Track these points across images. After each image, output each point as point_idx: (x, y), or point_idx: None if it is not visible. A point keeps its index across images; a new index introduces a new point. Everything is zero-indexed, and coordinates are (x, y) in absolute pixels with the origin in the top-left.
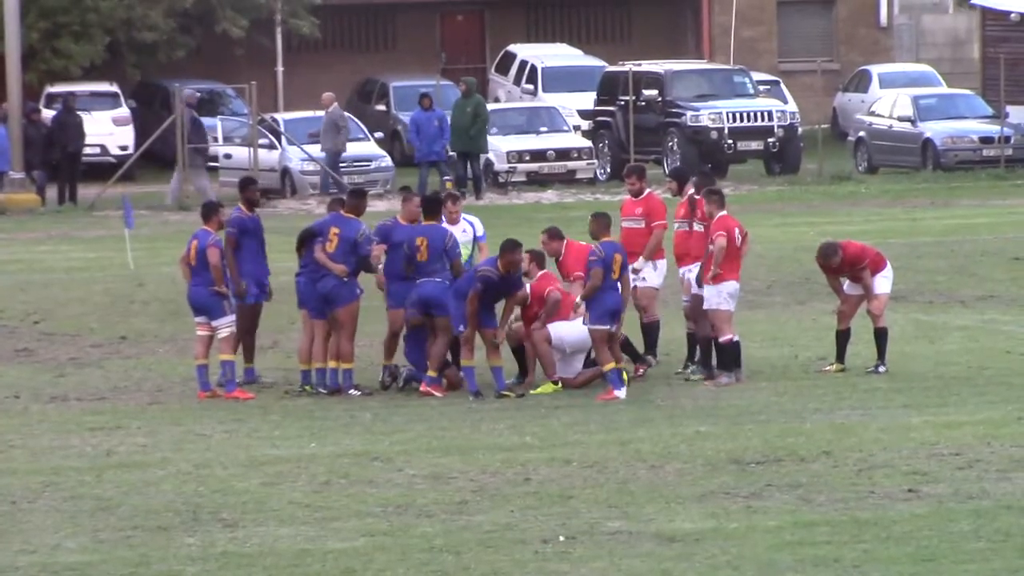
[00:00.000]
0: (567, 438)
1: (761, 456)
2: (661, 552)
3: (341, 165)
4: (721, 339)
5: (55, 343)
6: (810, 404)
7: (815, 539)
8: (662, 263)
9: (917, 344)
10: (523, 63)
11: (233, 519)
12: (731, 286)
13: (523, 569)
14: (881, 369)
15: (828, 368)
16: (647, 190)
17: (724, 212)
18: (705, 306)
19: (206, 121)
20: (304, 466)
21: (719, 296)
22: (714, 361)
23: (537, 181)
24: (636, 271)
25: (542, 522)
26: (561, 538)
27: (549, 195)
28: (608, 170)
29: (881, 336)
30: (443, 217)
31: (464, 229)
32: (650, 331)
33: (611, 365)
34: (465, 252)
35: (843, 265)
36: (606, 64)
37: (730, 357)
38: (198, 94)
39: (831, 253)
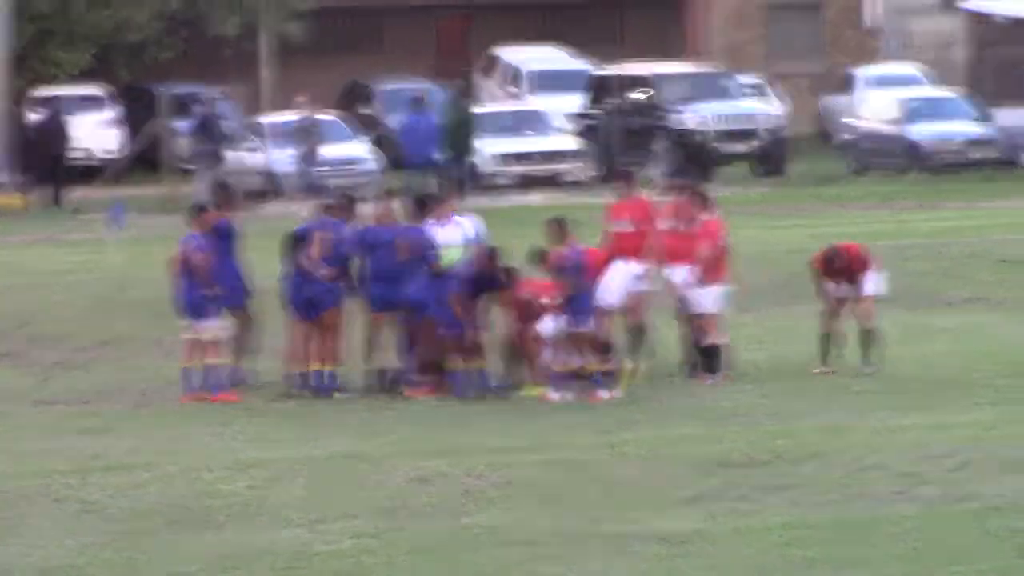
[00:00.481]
0: (554, 440)
1: (751, 458)
2: (649, 554)
3: (326, 168)
4: (710, 342)
5: (40, 346)
6: (800, 406)
7: (805, 541)
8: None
9: (904, 346)
10: (507, 66)
11: (220, 522)
12: (721, 289)
13: (510, 572)
14: (868, 370)
15: (817, 371)
16: (636, 193)
17: (709, 215)
18: (697, 310)
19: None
20: (292, 468)
21: (709, 299)
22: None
23: (524, 183)
24: (639, 276)
25: (531, 524)
26: (550, 540)
27: (536, 197)
28: (595, 172)
29: (868, 337)
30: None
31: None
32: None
33: (596, 367)
34: (457, 252)
35: (849, 267)
36: (591, 67)
37: (718, 359)
38: (219, 95)
39: (833, 257)
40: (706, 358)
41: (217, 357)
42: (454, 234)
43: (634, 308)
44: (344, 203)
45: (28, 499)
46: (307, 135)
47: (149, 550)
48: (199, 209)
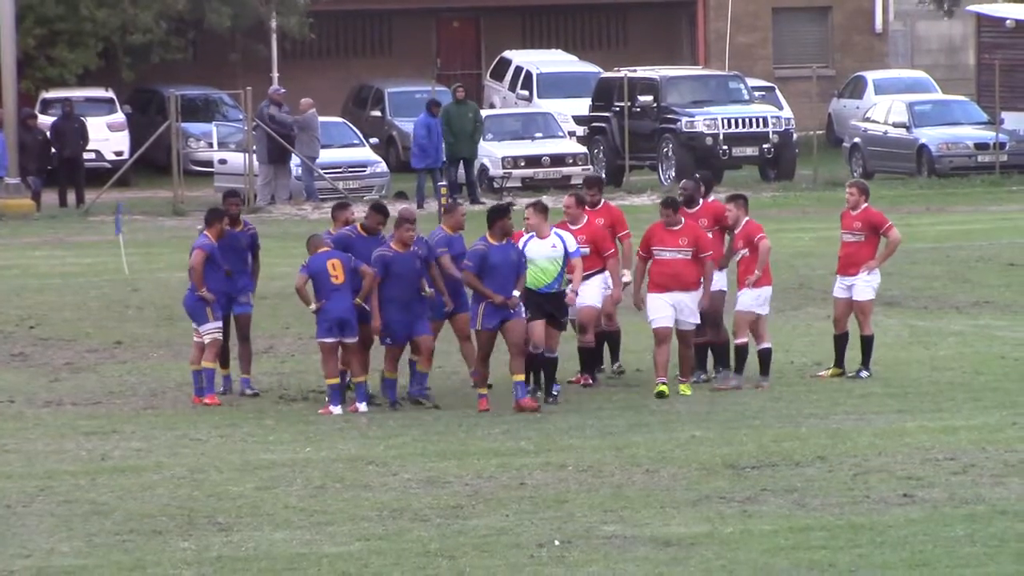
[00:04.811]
0: (562, 442)
1: (756, 461)
2: (656, 556)
3: (336, 171)
4: (736, 341)
5: (50, 348)
6: (805, 409)
7: (810, 544)
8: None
9: (912, 349)
10: (518, 69)
11: (228, 523)
12: (768, 291)
13: (518, 573)
14: (863, 374)
15: (823, 373)
16: (602, 200)
17: (748, 217)
18: (737, 307)
19: (201, 127)
20: (299, 470)
21: (756, 300)
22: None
23: (532, 186)
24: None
25: (537, 526)
26: (556, 542)
27: (544, 200)
28: (603, 176)
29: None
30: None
31: (554, 244)
32: (612, 338)
33: (333, 381)
34: (555, 268)
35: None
36: (601, 70)
37: (743, 359)
38: (282, 89)
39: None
40: (735, 358)
41: (210, 361)
42: (551, 248)
43: (611, 314)
44: (337, 209)
45: (37, 499)
46: (309, 139)
47: (157, 551)
48: (216, 213)
